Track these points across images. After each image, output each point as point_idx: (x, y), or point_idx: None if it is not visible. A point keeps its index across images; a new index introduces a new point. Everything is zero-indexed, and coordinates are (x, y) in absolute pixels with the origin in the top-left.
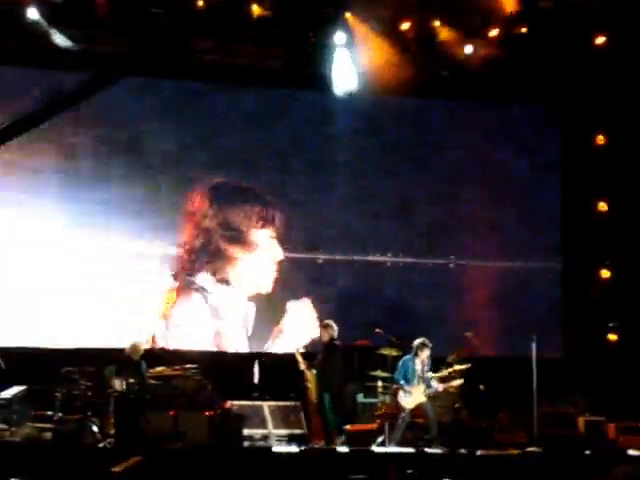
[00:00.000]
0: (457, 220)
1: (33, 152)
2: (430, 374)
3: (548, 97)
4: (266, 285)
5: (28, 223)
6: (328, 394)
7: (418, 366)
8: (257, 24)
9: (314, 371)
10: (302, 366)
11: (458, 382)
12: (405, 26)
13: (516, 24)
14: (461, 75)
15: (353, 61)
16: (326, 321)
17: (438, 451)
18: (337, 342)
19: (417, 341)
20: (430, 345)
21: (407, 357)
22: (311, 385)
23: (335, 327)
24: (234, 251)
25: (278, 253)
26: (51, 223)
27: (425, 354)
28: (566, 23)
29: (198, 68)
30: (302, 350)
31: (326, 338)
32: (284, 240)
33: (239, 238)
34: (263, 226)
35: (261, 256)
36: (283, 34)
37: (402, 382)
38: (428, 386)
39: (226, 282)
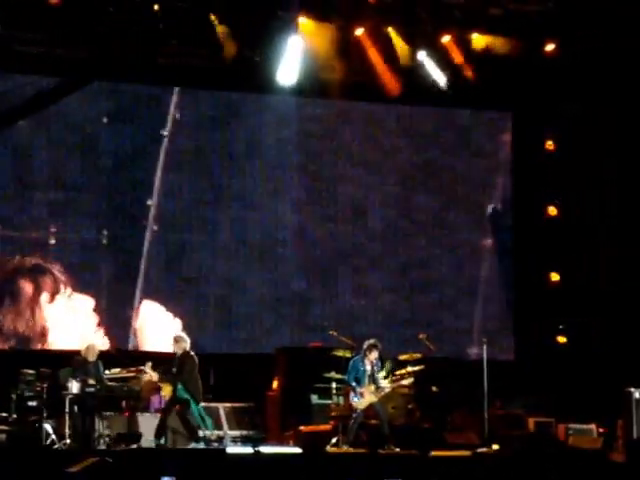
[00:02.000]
0: (410, 223)
1: None
2: (380, 374)
3: (499, 102)
4: None
5: None
6: (195, 403)
7: (368, 367)
8: (211, 28)
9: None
10: (154, 379)
11: (408, 381)
12: (359, 32)
13: (468, 31)
14: (414, 80)
15: (303, 65)
16: (178, 334)
17: (390, 452)
18: (192, 353)
19: (366, 342)
20: (379, 346)
21: (357, 358)
22: (167, 395)
23: (187, 339)
24: None
25: None
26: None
27: (374, 355)
28: (517, 30)
29: (153, 71)
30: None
31: (180, 351)
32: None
33: None
34: None
35: None
36: (238, 38)
37: (353, 384)
38: (378, 386)
39: None
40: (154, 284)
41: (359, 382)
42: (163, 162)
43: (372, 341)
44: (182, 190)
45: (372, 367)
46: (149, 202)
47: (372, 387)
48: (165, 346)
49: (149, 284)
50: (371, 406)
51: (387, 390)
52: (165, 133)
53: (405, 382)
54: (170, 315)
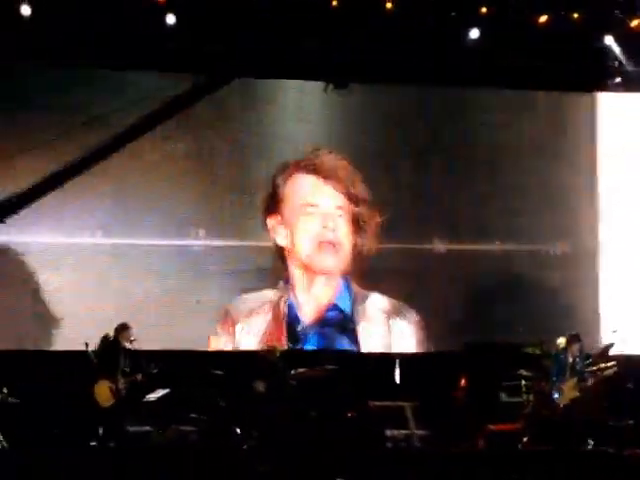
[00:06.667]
0: (594, 213)
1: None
2: (584, 368)
3: None
4: None
5: None
6: None
7: (570, 360)
8: (388, 21)
9: None
10: None
11: (609, 371)
12: (543, 19)
13: None
14: (601, 66)
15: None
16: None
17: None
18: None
19: (568, 334)
20: (580, 339)
21: (559, 352)
22: None
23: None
24: None
25: None
26: None
27: (576, 347)
28: None
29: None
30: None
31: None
32: None
33: None
34: None
35: None
36: (414, 30)
37: (554, 379)
38: (581, 379)
39: None
40: None
41: (561, 373)
42: None
43: (573, 333)
44: None
45: (574, 360)
46: None
47: (573, 381)
48: None
49: None
50: (573, 401)
51: (589, 383)
52: None
53: (607, 372)
54: None
